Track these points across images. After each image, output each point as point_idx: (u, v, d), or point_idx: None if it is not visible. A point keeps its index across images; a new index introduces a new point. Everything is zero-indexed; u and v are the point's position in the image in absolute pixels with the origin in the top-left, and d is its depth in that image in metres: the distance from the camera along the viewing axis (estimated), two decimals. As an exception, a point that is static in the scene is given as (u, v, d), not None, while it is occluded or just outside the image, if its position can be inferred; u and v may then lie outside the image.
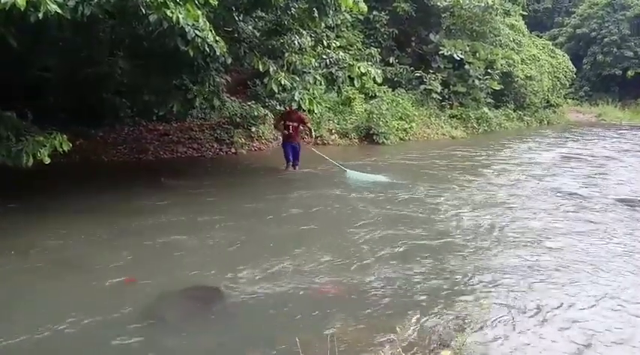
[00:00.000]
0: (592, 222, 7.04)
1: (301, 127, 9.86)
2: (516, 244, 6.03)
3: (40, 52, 7.47)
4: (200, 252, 5.45)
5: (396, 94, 17.11)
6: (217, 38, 6.33)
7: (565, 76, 26.63)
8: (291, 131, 9.66)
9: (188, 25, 6.02)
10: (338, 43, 9.92)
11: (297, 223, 6.59)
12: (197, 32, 6.09)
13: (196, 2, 5.95)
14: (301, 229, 6.32)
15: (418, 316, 4.06)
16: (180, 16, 5.75)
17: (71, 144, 6.51)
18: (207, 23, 6.22)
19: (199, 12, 6.08)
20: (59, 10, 4.95)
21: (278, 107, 13.53)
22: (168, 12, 5.66)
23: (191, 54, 6.37)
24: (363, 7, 7.76)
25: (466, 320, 4.10)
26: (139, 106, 10.72)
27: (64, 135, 6.34)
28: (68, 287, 4.50)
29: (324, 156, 10.01)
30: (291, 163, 9.83)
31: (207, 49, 6.18)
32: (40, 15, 4.80)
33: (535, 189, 9.20)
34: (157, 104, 9.37)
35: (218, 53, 6.37)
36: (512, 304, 4.39)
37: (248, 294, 4.43)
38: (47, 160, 5.98)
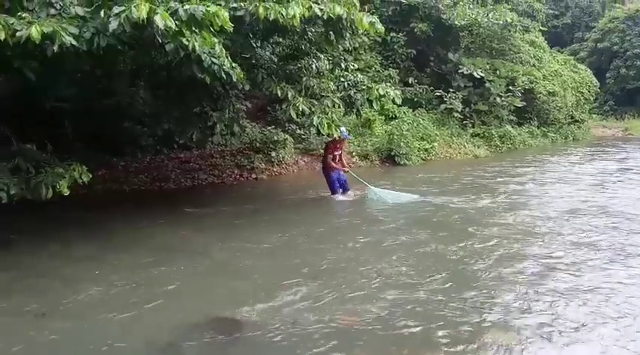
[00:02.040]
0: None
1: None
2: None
3: (58, 84, 7.51)
4: (223, 281, 5.33)
5: (417, 115, 17.01)
6: (234, 65, 6.31)
7: (589, 91, 26.20)
8: (338, 160, 9.56)
9: (204, 52, 6.02)
10: (356, 66, 9.83)
11: (326, 248, 6.45)
12: (213, 59, 6.07)
13: (212, 30, 5.95)
14: (330, 255, 6.16)
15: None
16: (197, 44, 5.73)
17: (91, 175, 6.53)
18: (224, 50, 6.19)
19: (215, 39, 6.08)
20: (75, 43, 4.97)
21: (298, 131, 13.55)
22: (184, 40, 5.65)
23: (208, 81, 6.37)
24: (380, 28, 7.67)
25: None
26: (160, 135, 10.77)
27: (84, 167, 6.35)
28: (91, 325, 4.41)
29: (353, 174, 9.82)
30: (340, 191, 9.58)
31: (224, 76, 6.15)
32: (56, 48, 4.81)
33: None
34: (178, 132, 9.41)
35: (235, 80, 6.33)
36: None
37: (269, 326, 4.28)
38: (66, 192, 5.97)
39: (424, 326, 4.27)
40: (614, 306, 4.64)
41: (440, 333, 4.13)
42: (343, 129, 9.62)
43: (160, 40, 5.81)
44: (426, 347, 3.96)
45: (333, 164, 9.42)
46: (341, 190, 9.54)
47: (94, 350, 3.90)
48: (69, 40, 4.98)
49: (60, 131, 9.65)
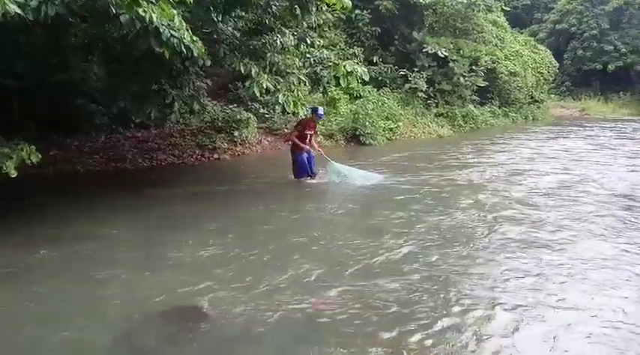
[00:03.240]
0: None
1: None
2: None
3: (5, 57, 6.95)
4: (182, 268, 5.02)
5: (381, 94, 16.84)
6: (195, 38, 5.92)
7: (548, 72, 26.58)
8: (308, 140, 9.01)
9: (163, 25, 5.61)
10: (322, 42, 9.52)
11: (287, 233, 6.20)
12: (172, 32, 5.65)
13: (170, 1, 5.56)
14: (293, 240, 5.92)
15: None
16: (154, 16, 5.34)
17: (41, 155, 6.09)
18: (184, 23, 5.81)
19: (174, 11, 5.69)
20: (19, 11, 4.52)
21: (261, 110, 13.18)
22: (140, 11, 5.26)
23: (167, 55, 5.95)
24: (347, 2, 7.41)
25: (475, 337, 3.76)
26: (115, 113, 10.24)
27: (33, 146, 5.90)
28: (37, 308, 4.08)
29: (325, 156, 9.31)
30: (308, 175, 9.09)
31: (184, 50, 5.75)
32: (-1, 16, 4.36)
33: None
34: (134, 110, 8.93)
35: (196, 54, 5.94)
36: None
37: (233, 314, 4.04)
38: (13, 173, 5.53)
39: (399, 310, 4.12)
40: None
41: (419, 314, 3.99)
42: (320, 109, 9.32)
43: (115, 11, 5.41)
44: (401, 333, 3.80)
45: (301, 143, 8.92)
46: (307, 173, 9.07)
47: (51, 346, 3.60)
48: (13, 8, 4.52)
49: (7, 108, 9.04)
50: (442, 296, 4.42)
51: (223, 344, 3.72)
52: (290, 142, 9.21)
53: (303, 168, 9.03)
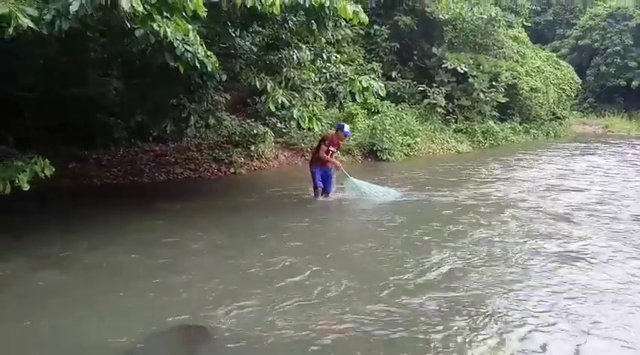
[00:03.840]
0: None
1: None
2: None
3: (21, 70, 7.04)
4: (190, 285, 4.95)
5: (400, 109, 16.72)
6: (209, 53, 5.93)
7: (570, 88, 26.19)
8: (329, 156, 8.80)
9: (177, 39, 5.64)
10: (339, 57, 9.49)
11: (302, 249, 6.10)
12: (187, 47, 5.69)
13: (185, 16, 5.58)
14: (304, 257, 5.81)
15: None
16: (169, 30, 5.38)
17: (54, 169, 6.11)
18: (198, 37, 5.83)
19: (190, 26, 5.71)
20: (32, 25, 4.55)
21: (278, 124, 13.18)
22: (154, 26, 5.28)
23: (181, 70, 5.97)
24: (364, 18, 7.36)
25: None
26: (133, 127, 10.31)
27: (47, 160, 5.92)
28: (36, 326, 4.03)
29: (346, 172, 9.03)
30: (321, 190, 8.84)
31: (198, 65, 5.76)
32: (11, 30, 4.39)
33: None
34: (151, 124, 8.97)
35: (210, 69, 5.95)
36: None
37: (239, 334, 3.95)
38: (26, 187, 5.53)
39: (409, 334, 3.99)
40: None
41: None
42: (347, 126, 9.07)
43: (129, 25, 5.44)
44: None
45: (327, 157, 8.65)
46: (322, 187, 8.83)
47: None
48: (26, 22, 4.57)
49: (24, 121, 9.15)
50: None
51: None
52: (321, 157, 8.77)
53: (316, 182, 8.78)
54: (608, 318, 4.31)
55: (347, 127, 9.04)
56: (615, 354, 3.82)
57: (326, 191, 8.87)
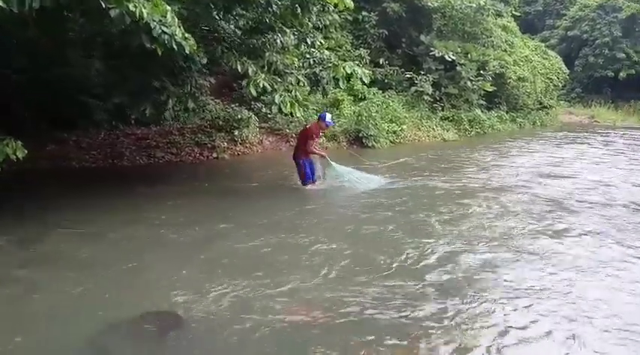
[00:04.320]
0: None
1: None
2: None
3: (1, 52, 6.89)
4: (162, 269, 4.89)
5: (386, 96, 16.63)
6: (187, 35, 5.80)
7: (558, 78, 26.26)
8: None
9: (154, 20, 5.50)
10: (323, 42, 9.35)
11: (272, 235, 6.01)
12: (164, 29, 5.55)
13: (163, -4, 5.44)
14: (276, 241, 5.77)
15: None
16: (144, 11, 5.23)
17: (30, 151, 5.99)
18: (176, 19, 5.69)
19: (167, 7, 5.57)
20: (1, 3, 4.41)
21: (263, 109, 13.04)
22: (130, 6, 5.15)
23: (159, 52, 5.84)
24: (349, 3, 7.28)
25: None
26: (111, 109, 10.14)
27: (19, 142, 5.79)
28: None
29: (330, 160, 8.84)
30: (312, 181, 8.70)
31: (176, 47, 5.63)
32: (-21, 8, 4.25)
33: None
34: (130, 106, 8.82)
35: (188, 51, 5.82)
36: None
37: (212, 319, 3.91)
38: (-3, 169, 5.42)
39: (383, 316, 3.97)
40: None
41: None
42: (329, 116, 8.77)
43: (104, 5, 5.30)
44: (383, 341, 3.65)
45: (316, 150, 8.53)
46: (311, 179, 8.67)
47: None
48: (-5, 0, 4.43)
49: (4, 103, 8.96)
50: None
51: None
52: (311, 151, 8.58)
53: (308, 175, 8.60)
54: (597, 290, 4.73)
55: (329, 117, 8.77)
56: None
57: (313, 180, 8.72)
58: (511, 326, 3.99)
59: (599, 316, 4.23)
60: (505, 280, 4.92)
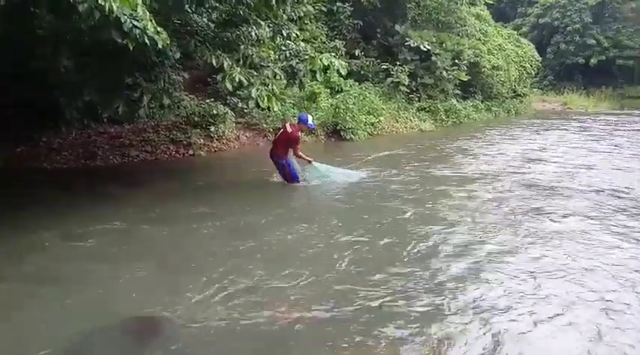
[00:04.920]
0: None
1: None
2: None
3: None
4: (143, 273, 4.72)
5: (363, 88, 16.53)
6: (159, 29, 5.59)
7: (531, 66, 26.53)
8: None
9: (124, 14, 5.30)
10: (299, 34, 9.19)
11: (255, 236, 5.84)
12: (135, 23, 5.34)
13: (134, -11, 5.23)
14: (262, 242, 5.63)
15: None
16: (114, 5, 5.02)
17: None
18: (147, 13, 5.48)
19: (138, 1, 5.36)
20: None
21: (239, 104, 12.84)
22: (99, 0, 4.93)
23: (130, 47, 5.63)
24: (324, -7, 7.11)
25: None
26: (81, 107, 9.82)
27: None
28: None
29: (315, 164, 8.57)
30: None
31: (148, 42, 5.43)
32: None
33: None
34: (101, 104, 8.54)
35: (160, 46, 5.61)
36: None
37: (197, 324, 3.77)
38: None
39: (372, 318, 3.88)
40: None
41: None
42: (310, 118, 8.41)
43: (71, 0, 5.08)
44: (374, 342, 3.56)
45: (303, 155, 8.27)
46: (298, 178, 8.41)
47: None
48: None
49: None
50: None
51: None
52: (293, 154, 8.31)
53: (293, 173, 8.33)
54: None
55: (310, 119, 8.40)
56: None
57: (298, 179, 8.44)
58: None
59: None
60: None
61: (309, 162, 8.39)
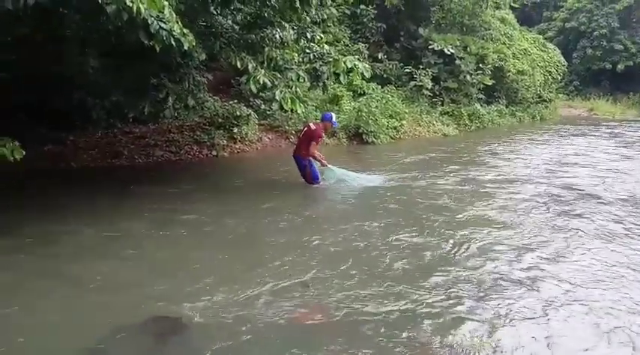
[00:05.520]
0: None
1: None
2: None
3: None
4: (160, 274, 4.76)
5: (386, 91, 16.50)
6: (185, 31, 5.66)
7: (557, 71, 26.14)
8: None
9: (151, 16, 5.37)
10: (323, 37, 9.20)
11: (277, 236, 5.88)
12: (162, 24, 5.41)
13: (161, -9, 5.29)
14: (281, 243, 5.65)
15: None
16: (142, 6, 5.09)
17: (28, 152, 5.89)
18: (174, 14, 5.55)
19: (165, 2, 5.43)
20: (-5, 0, 4.29)
21: (262, 106, 12.91)
22: (127, 1, 5.00)
23: (157, 49, 5.71)
24: (348, -5, 7.12)
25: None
26: (108, 107, 9.99)
27: (17, 142, 5.67)
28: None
29: (330, 166, 8.50)
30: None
31: (174, 43, 5.50)
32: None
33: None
34: (127, 105, 8.66)
35: (186, 47, 5.67)
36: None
37: (215, 324, 3.79)
38: (-7, 170, 5.30)
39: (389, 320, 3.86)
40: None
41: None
42: (334, 116, 8.49)
43: (100, 1, 5.16)
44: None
45: (317, 154, 8.18)
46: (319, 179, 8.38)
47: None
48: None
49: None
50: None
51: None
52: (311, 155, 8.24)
53: (314, 174, 8.32)
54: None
55: (334, 117, 8.52)
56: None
57: (319, 180, 8.42)
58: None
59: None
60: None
61: (323, 164, 8.33)
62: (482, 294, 4.40)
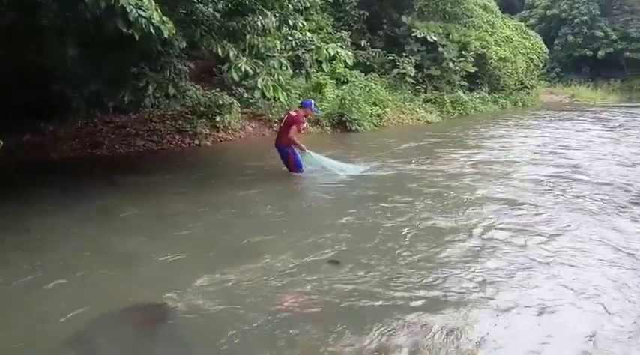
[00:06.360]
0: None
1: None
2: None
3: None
4: (145, 261, 4.73)
5: (369, 79, 16.50)
6: (165, 19, 5.58)
7: (538, 57, 26.37)
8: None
9: (130, 4, 5.29)
10: (305, 24, 9.14)
11: (258, 224, 5.88)
12: (140, 12, 5.32)
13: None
14: (263, 230, 5.64)
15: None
16: (120, -7, 5.02)
17: (5, 142, 5.78)
18: (153, 2, 5.47)
19: (144, -11, 5.35)
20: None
21: (245, 94, 12.81)
22: (105, -11, 4.94)
23: (136, 37, 5.62)
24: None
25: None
26: (87, 97, 9.83)
27: (-7, 133, 5.56)
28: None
29: (310, 153, 8.43)
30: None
31: (153, 31, 5.42)
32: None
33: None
34: (107, 94, 8.55)
35: (166, 35, 5.60)
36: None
37: (200, 311, 3.78)
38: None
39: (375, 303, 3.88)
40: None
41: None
42: (312, 103, 8.49)
43: (77, -11, 5.08)
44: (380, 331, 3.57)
45: (297, 141, 8.10)
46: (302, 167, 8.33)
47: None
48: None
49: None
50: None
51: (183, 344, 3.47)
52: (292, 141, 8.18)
53: (297, 162, 8.28)
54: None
55: (313, 103, 8.45)
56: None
57: (302, 168, 8.38)
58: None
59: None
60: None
61: (303, 149, 8.24)
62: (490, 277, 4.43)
